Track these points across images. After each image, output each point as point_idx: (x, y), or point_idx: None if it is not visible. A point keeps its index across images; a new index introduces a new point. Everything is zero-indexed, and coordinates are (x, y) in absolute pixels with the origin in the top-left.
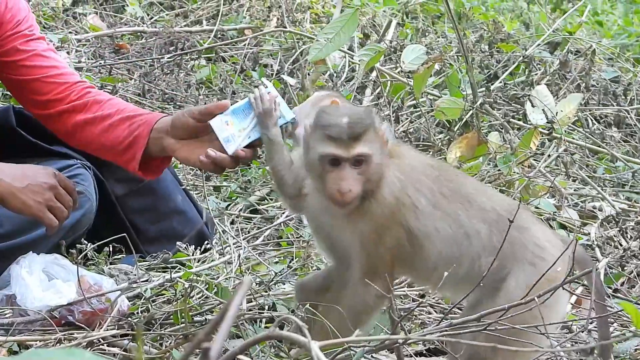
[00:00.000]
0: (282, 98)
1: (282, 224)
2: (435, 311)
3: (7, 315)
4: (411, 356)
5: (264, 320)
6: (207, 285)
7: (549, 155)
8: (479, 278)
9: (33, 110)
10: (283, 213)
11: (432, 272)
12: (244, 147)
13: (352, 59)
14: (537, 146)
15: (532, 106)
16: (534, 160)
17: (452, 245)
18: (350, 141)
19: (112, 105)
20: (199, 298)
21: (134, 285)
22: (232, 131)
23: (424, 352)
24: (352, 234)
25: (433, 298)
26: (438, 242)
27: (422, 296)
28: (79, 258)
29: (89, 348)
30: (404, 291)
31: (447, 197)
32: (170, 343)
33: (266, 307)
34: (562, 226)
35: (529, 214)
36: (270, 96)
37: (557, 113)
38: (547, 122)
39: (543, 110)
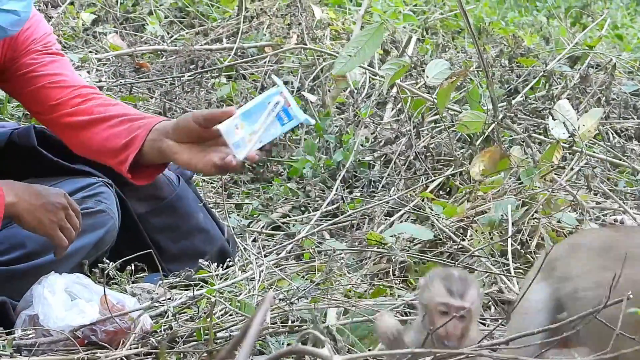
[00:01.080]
0: (292, 98)
1: (303, 238)
2: None
3: (30, 336)
4: None
5: (286, 334)
6: (230, 302)
7: (571, 169)
8: None
9: (38, 115)
10: (305, 229)
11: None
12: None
13: (374, 75)
14: (559, 160)
15: (554, 120)
16: (556, 174)
17: None
18: None
19: (117, 109)
20: (222, 315)
21: (157, 304)
22: (243, 135)
23: None
24: None
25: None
26: None
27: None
28: (103, 276)
29: None
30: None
31: None
32: None
33: (289, 321)
34: None
35: None
36: (282, 95)
37: (578, 127)
38: (569, 137)
39: (564, 124)
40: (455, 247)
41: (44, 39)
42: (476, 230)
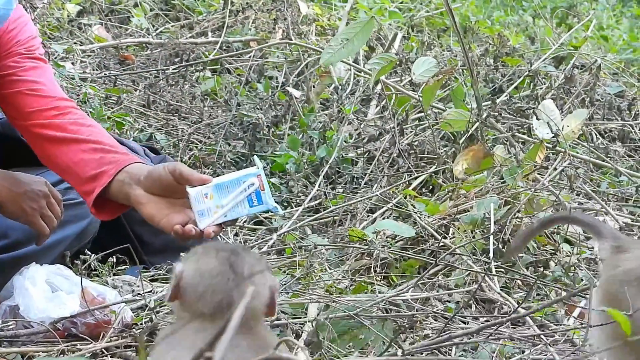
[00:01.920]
0: (267, 183)
1: (285, 233)
2: (438, 321)
3: (10, 327)
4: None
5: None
6: None
7: (554, 169)
8: None
9: (13, 120)
10: (287, 224)
11: None
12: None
13: (358, 72)
14: (542, 160)
15: (538, 120)
16: (538, 174)
17: None
18: None
19: (91, 132)
20: None
21: (138, 297)
22: (209, 205)
23: None
24: None
25: (436, 307)
26: None
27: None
28: (83, 269)
29: (93, 359)
30: (407, 297)
31: None
32: None
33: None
34: (566, 240)
35: None
36: (259, 178)
37: (562, 127)
38: (553, 137)
39: (548, 124)
40: (437, 244)
41: (28, 42)
42: (458, 228)
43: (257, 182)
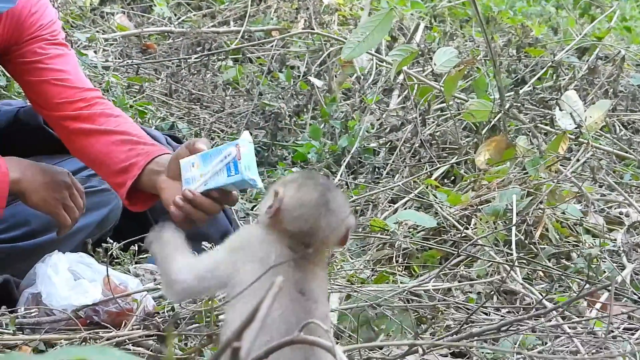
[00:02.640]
0: (252, 157)
1: None
2: (460, 312)
3: (33, 314)
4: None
5: None
6: None
7: (577, 160)
8: None
9: (40, 110)
10: None
11: None
12: (202, 193)
13: (380, 62)
14: (565, 151)
15: (561, 111)
16: (561, 165)
17: None
18: None
19: (119, 122)
20: (224, 298)
21: (160, 285)
22: (195, 174)
23: (448, 354)
24: None
25: (458, 298)
26: None
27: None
28: (106, 257)
29: (116, 347)
30: (429, 287)
31: None
32: (195, 344)
33: None
34: (589, 232)
35: None
36: (237, 148)
37: (585, 119)
38: (576, 128)
39: (571, 115)
40: (459, 235)
41: (50, 27)
42: (480, 219)
43: (234, 152)
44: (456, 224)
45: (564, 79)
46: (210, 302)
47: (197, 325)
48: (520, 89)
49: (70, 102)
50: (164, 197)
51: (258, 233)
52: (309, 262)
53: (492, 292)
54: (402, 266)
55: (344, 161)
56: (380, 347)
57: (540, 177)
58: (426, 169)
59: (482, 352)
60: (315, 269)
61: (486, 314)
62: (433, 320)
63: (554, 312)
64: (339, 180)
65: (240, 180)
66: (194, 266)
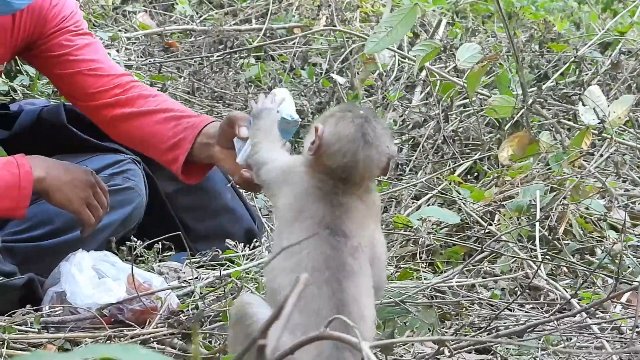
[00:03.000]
0: (291, 98)
1: None
2: (484, 308)
3: (57, 313)
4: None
5: None
6: (257, 285)
7: (601, 155)
8: None
9: (76, 102)
10: None
11: None
12: None
13: (402, 58)
14: (588, 146)
15: (584, 106)
16: (584, 161)
17: None
18: None
19: (158, 102)
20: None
21: (184, 284)
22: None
23: (473, 350)
24: None
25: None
26: None
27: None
28: (131, 255)
29: (140, 346)
30: (453, 284)
31: None
32: (220, 344)
33: None
34: (612, 227)
35: None
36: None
37: (609, 114)
38: (599, 123)
39: (594, 110)
40: (482, 231)
41: (73, 17)
42: (504, 215)
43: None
44: (479, 219)
45: (586, 74)
46: (233, 300)
47: (221, 323)
48: (543, 84)
49: (107, 90)
50: (224, 167)
51: (301, 169)
52: (349, 196)
53: (516, 289)
54: (426, 263)
55: None
56: (405, 343)
57: (564, 173)
58: (449, 165)
59: (507, 349)
60: (355, 203)
61: (510, 309)
62: (457, 317)
63: (578, 306)
64: None
65: (279, 120)
66: (273, 162)
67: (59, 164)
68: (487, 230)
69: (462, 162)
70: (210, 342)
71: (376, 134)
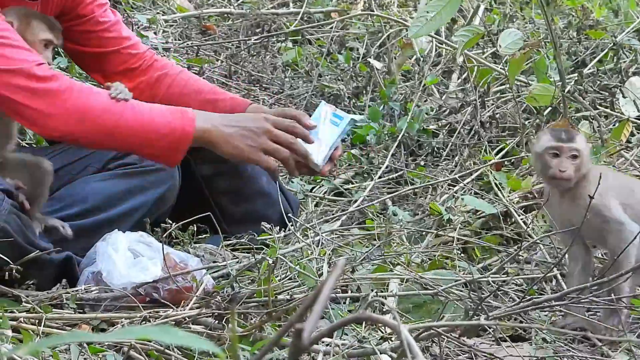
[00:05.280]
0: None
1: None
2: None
3: (93, 291)
4: (494, 341)
5: (347, 301)
6: (291, 268)
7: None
8: None
9: (99, 78)
10: (364, 193)
11: None
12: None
13: (440, 44)
14: (627, 137)
15: (624, 98)
16: (624, 151)
17: None
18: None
19: (185, 84)
20: (283, 279)
21: (221, 264)
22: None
23: (507, 338)
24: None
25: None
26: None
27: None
28: (164, 236)
29: (176, 326)
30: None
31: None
32: (255, 321)
33: (349, 290)
34: None
35: None
36: (326, 105)
37: None
38: (638, 117)
39: (635, 102)
40: (518, 222)
41: None
42: (542, 217)
43: (327, 109)
44: (513, 212)
45: (624, 62)
46: (269, 280)
47: (257, 304)
48: (581, 71)
49: (135, 68)
50: None
51: None
52: None
53: (550, 278)
54: (460, 250)
55: (397, 140)
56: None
57: (603, 162)
58: (486, 149)
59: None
60: None
61: (542, 294)
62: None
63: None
64: (390, 161)
65: (350, 120)
66: None
67: (224, 117)
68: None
69: (499, 145)
70: (245, 320)
71: None
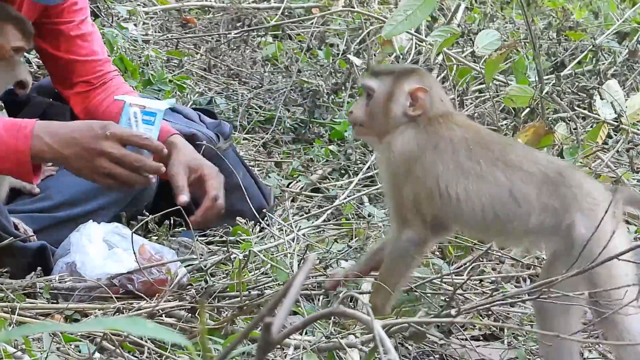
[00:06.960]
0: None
1: (342, 202)
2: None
3: (67, 281)
4: (466, 339)
5: (320, 298)
6: (263, 262)
7: (617, 151)
8: (534, 233)
9: (59, 87)
10: (344, 192)
11: (483, 228)
12: None
13: (420, 42)
14: (603, 140)
15: (602, 100)
16: (599, 152)
17: (495, 205)
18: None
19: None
20: (256, 272)
21: (195, 257)
22: None
23: (480, 337)
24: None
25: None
26: (476, 201)
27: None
28: (139, 228)
29: (149, 319)
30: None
31: (482, 164)
32: (227, 315)
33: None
34: (627, 222)
35: (580, 172)
36: (134, 105)
37: (626, 108)
38: (615, 119)
39: (612, 104)
40: None
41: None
42: None
43: (136, 108)
44: None
45: (603, 64)
46: (240, 274)
47: (230, 299)
48: (560, 72)
49: (92, 80)
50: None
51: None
52: None
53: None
54: (435, 249)
55: None
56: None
57: (579, 163)
58: None
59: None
60: None
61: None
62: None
63: None
64: (374, 160)
65: (165, 110)
66: None
67: (65, 135)
68: None
69: None
70: (219, 313)
71: None
